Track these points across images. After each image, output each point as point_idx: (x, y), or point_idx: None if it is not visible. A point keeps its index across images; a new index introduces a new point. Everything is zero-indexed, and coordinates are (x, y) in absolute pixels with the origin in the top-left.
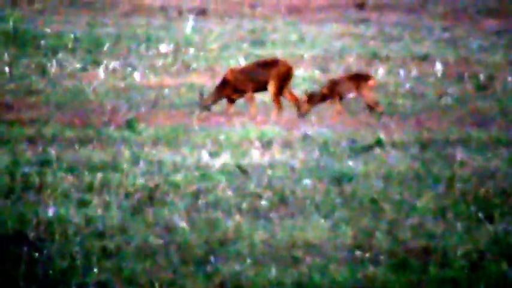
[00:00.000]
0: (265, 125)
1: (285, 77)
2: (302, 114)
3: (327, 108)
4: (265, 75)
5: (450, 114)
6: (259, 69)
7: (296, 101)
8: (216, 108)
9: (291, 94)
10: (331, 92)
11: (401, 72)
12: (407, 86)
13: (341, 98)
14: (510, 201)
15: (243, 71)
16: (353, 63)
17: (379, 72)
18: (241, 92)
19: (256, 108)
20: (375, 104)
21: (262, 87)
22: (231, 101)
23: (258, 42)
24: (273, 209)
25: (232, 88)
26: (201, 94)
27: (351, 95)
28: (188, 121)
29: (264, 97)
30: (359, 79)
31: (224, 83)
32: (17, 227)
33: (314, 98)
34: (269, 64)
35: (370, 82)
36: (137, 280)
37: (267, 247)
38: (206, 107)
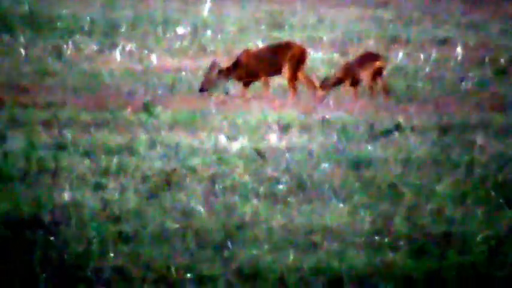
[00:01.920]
0: (283, 108)
1: (299, 61)
2: (319, 99)
3: (346, 92)
4: (278, 59)
5: (470, 99)
6: (272, 53)
7: (312, 85)
8: (233, 91)
9: (307, 78)
10: (345, 75)
11: (421, 56)
12: (427, 69)
13: (357, 82)
14: None
15: (257, 54)
16: (372, 46)
17: (399, 55)
18: (255, 76)
19: (269, 92)
20: (384, 89)
21: (276, 71)
22: (246, 84)
23: (276, 25)
24: (291, 194)
25: (245, 71)
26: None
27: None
28: (205, 104)
29: (282, 81)
30: (367, 60)
31: (237, 65)
32: (32, 211)
33: (328, 83)
34: (282, 47)
35: (378, 63)
36: (154, 265)
37: (285, 232)
38: (211, 85)
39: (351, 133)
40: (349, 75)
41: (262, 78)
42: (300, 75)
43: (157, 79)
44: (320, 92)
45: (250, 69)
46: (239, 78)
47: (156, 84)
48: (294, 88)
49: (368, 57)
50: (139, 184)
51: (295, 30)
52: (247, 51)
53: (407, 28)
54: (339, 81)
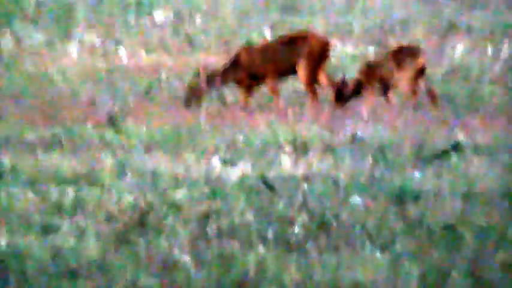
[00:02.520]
0: (299, 122)
1: (319, 57)
2: (338, 107)
3: (383, 101)
4: (291, 56)
5: None
6: (284, 48)
7: (313, 95)
8: (232, 100)
9: (330, 80)
10: (368, 78)
11: (488, 50)
12: (497, 69)
13: (386, 87)
14: None
15: (262, 51)
16: (421, 37)
17: (457, 50)
18: (259, 79)
19: (282, 101)
20: (430, 95)
21: (288, 71)
22: (248, 90)
23: (291, 8)
24: (310, 239)
25: (246, 73)
26: (197, 76)
27: (395, 82)
28: (194, 117)
29: (298, 85)
30: (402, 57)
31: (235, 65)
32: None
33: (345, 90)
34: (297, 40)
35: (420, 60)
36: None
37: None
38: (199, 97)
39: (391, 156)
40: (373, 77)
41: (270, 82)
42: (321, 76)
43: (128, 82)
44: (335, 103)
45: (253, 70)
46: (239, 83)
47: (126, 89)
48: (314, 94)
49: (404, 53)
50: (103, 225)
51: (317, 15)
52: (248, 46)
53: (470, 12)
54: (357, 87)
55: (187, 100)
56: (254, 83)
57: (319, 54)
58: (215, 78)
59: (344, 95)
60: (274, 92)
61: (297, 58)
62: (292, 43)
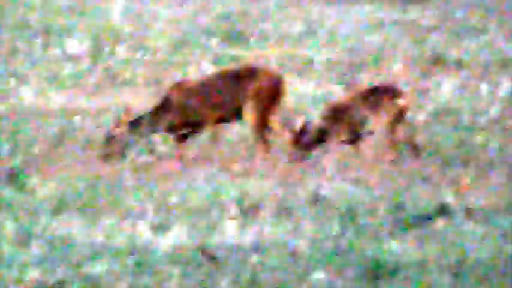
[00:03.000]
0: (248, 178)
1: (270, 97)
2: (297, 159)
3: (353, 153)
4: (236, 95)
5: None
6: (226, 85)
7: (262, 143)
8: (163, 150)
9: (285, 126)
10: (333, 124)
11: (482, 89)
12: (493, 112)
13: (357, 135)
14: None
15: (199, 89)
16: (399, 73)
17: (444, 88)
18: (197, 125)
19: (222, 150)
20: (411, 145)
21: (232, 114)
22: (183, 138)
23: (237, 37)
24: None
25: (180, 117)
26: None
27: (369, 128)
28: (116, 171)
29: (244, 131)
30: (377, 98)
31: (166, 107)
32: None
33: (305, 138)
34: (242, 75)
35: (399, 102)
36: None
37: None
38: (120, 148)
39: (363, 221)
40: (340, 123)
41: (209, 128)
42: (273, 121)
43: (33, 128)
44: (296, 153)
45: (188, 112)
46: (171, 129)
47: (30, 136)
48: (265, 143)
49: (379, 93)
50: None
51: (268, 44)
52: (182, 83)
53: (459, 42)
54: (320, 134)
55: (106, 151)
56: (190, 129)
57: (271, 93)
58: (141, 124)
59: (304, 144)
60: (215, 138)
61: (243, 98)
62: (237, 79)
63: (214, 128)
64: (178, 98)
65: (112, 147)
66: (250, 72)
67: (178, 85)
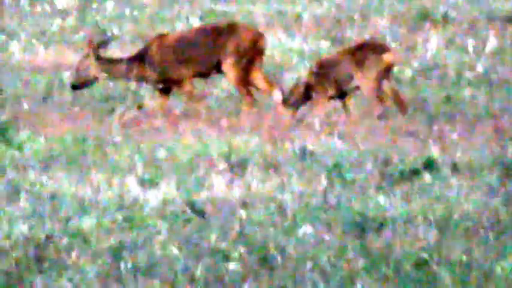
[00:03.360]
0: (236, 133)
1: (250, 53)
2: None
3: (339, 109)
4: (215, 51)
5: None
6: (205, 40)
7: (247, 97)
8: (151, 105)
9: (265, 80)
10: (320, 80)
11: (469, 44)
12: (479, 68)
13: (343, 91)
14: None
15: (178, 43)
16: (386, 29)
17: (431, 44)
18: (172, 80)
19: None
20: (397, 100)
21: (210, 70)
22: (164, 91)
23: None
24: (249, 277)
25: (157, 70)
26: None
27: (355, 84)
28: (104, 126)
29: (231, 87)
30: (363, 54)
31: (143, 59)
32: None
33: (293, 94)
34: (222, 31)
35: (386, 56)
36: None
37: None
38: (88, 81)
39: (350, 175)
40: (327, 79)
41: (186, 84)
42: (255, 77)
43: (21, 84)
44: (283, 109)
45: (165, 68)
46: (148, 81)
47: (18, 92)
48: (250, 97)
49: (365, 49)
50: None
51: (255, 2)
52: (160, 37)
53: None
54: (307, 90)
55: (76, 82)
56: (169, 83)
57: (251, 50)
58: (113, 64)
59: (293, 102)
60: (191, 95)
61: (223, 54)
62: (216, 35)
63: (189, 85)
64: (156, 51)
65: (81, 80)
66: (230, 29)
67: (157, 39)
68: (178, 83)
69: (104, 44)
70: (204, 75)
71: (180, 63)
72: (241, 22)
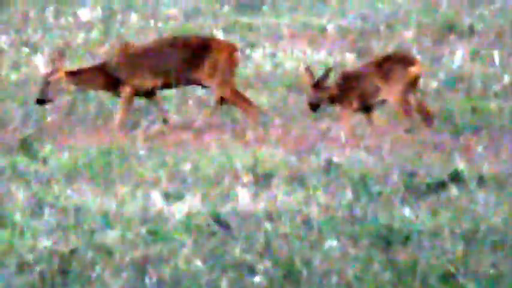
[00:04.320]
0: (261, 146)
1: (227, 67)
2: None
3: (365, 121)
4: (190, 66)
5: None
6: (175, 52)
7: (248, 107)
8: (177, 118)
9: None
10: (346, 93)
11: (495, 57)
12: (505, 80)
13: (369, 104)
14: None
15: (143, 53)
16: (412, 41)
17: (457, 56)
18: (137, 89)
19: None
20: (423, 113)
21: (179, 82)
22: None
23: (249, 6)
24: None
25: (121, 79)
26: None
27: (381, 97)
28: (128, 139)
29: (259, 98)
30: (389, 66)
31: (106, 66)
32: None
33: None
34: (197, 47)
35: (412, 69)
36: None
37: None
38: (55, 92)
39: (375, 188)
40: (352, 92)
41: (151, 91)
42: (233, 89)
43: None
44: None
45: (130, 74)
46: (107, 88)
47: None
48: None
49: (391, 62)
50: (13, 275)
51: (279, 13)
52: (127, 45)
53: (472, 10)
54: (332, 100)
55: (43, 97)
56: (134, 92)
57: (228, 64)
58: (79, 75)
59: (321, 91)
60: (128, 102)
61: (202, 71)
62: (191, 49)
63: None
64: (120, 60)
65: (47, 93)
66: (206, 45)
67: (122, 48)
68: (144, 92)
69: None
70: (171, 86)
71: (145, 73)
72: (214, 38)
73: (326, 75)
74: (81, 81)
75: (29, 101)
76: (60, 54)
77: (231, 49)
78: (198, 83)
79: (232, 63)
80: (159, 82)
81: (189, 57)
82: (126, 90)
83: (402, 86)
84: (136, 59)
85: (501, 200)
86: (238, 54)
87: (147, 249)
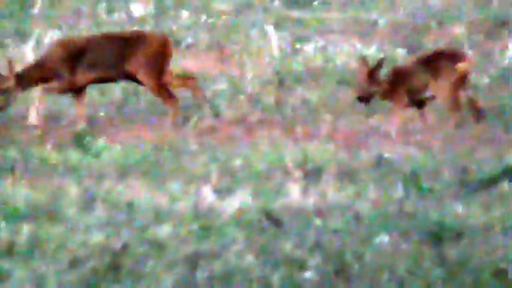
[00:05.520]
0: (311, 141)
1: (160, 59)
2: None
3: (416, 116)
4: (123, 59)
5: None
6: (110, 47)
7: (194, 88)
8: (229, 113)
9: (179, 77)
10: (396, 88)
11: None
12: None
13: (420, 99)
14: None
15: (81, 48)
16: (462, 37)
17: (508, 52)
18: (75, 83)
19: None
20: (474, 108)
21: (115, 76)
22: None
23: (299, 1)
24: (326, 286)
25: (59, 74)
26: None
27: (430, 93)
28: (180, 135)
29: (307, 94)
30: (440, 62)
31: (44, 62)
32: None
33: (374, 82)
34: (128, 40)
35: (462, 65)
36: None
37: None
38: (8, 101)
39: (426, 184)
40: (403, 87)
41: (83, 86)
42: (169, 78)
43: (97, 92)
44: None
45: (64, 69)
46: (41, 81)
47: (95, 100)
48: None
49: (442, 57)
50: (66, 271)
51: (330, 9)
52: (63, 41)
53: None
54: (385, 94)
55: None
56: (71, 87)
57: (160, 56)
58: (27, 78)
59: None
60: (80, 103)
61: (134, 64)
62: (123, 43)
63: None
64: (57, 55)
65: (6, 100)
66: (137, 38)
67: (59, 43)
68: (81, 87)
69: None
70: (107, 80)
71: (82, 67)
72: (146, 30)
73: (379, 65)
74: (24, 82)
75: None
76: (9, 63)
77: (162, 41)
78: (133, 77)
79: (163, 55)
80: (96, 77)
81: (122, 51)
82: (55, 85)
83: (451, 82)
84: (75, 54)
85: None
86: (170, 46)
87: (198, 245)
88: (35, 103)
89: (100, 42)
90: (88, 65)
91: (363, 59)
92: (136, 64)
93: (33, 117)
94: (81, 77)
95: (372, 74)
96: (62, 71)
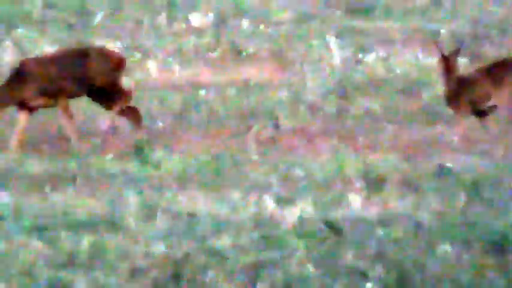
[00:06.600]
0: (372, 151)
1: (114, 76)
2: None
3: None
4: (84, 75)
5: None
6: (71, 63)
7: (135, 115)
8: (289, 124)
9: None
10: (458, 97)
11: None
12: None
13: (482, 109)
14: None
15: (48, 65)
16: None
17: None
18: (53, 95)
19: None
20: None
21: (79, 92)
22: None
23: (361, 11)
24: None
25: (36, 87)
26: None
27: (493, 103)
28: (240, 144)
29: (370, 105)
30: (503, 72)
31: (20, 78)
32: None
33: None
34: (85, 56)
35: None
36: None
37: None
38: None
39: (489, 193)
40: (465, 96)
41: (62, 101)
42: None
43: (157, 102)
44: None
45: (44, 82)
46: (23, 102)
47: (155, 110)
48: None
49: (503, 68)
50: (127, 280)
51: (392, 18)
52: (34, 59)
53: None
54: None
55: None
56: (45, 102)
57: (115, 73)
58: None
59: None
60: (67, 114)
61: (90, 77)
62: (81, 59)
63: (65, 103)
64: (33, 69)
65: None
66: (94, 54)
67: (30, 60)
68: (54, 103)
69: None
70: (75, 96)
71: (53, 84)
72: (100, 47)
73: (456, 52)
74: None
75: (141, 106)
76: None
77: (117, 58)
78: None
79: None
80: (64, 93)
81: (74, 68)
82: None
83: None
84: (43, 71)
85: None
86: (125, 62)
87: (259, 255)
88: (18, 127)
89: (62, 59)
90: (56, 81)
91: (443, 56)
92: (94, 79)
93: (14, 141)
94: (53, 92)
95: (449, 61)
96: (33, 86)
